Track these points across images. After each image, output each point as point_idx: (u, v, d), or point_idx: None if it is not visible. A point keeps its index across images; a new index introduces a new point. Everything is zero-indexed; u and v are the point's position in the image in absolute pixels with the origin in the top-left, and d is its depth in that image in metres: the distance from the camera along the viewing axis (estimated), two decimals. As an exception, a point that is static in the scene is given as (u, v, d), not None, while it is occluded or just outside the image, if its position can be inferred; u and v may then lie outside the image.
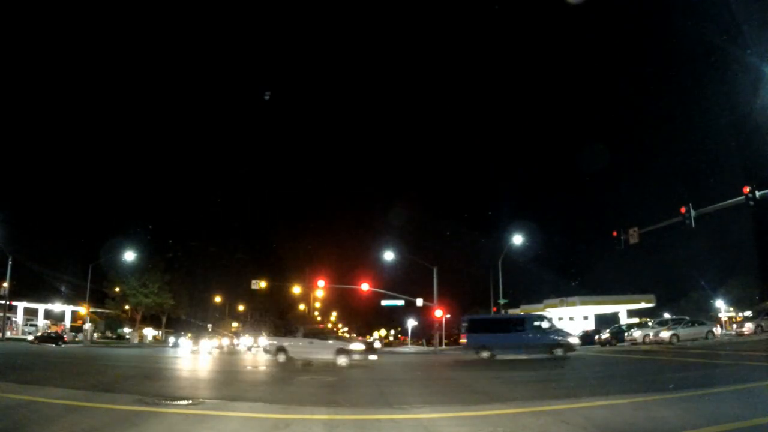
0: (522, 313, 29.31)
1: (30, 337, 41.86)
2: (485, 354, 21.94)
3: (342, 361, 18.26)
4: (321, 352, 18.97)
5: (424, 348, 50.29)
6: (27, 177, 58.80)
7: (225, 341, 43.67)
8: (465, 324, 24.43)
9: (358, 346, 19.94)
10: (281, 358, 19.44)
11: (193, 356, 27.99)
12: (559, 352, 21.19)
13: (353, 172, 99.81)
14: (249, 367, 19.79)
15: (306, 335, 20.49)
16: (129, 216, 57.86)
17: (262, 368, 18.58)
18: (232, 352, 35.75)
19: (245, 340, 45.97)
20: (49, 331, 46.95)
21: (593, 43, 70.70)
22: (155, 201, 78.44)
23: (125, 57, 73.47)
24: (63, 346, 37.16)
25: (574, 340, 23.15)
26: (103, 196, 70.45)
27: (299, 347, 19.62)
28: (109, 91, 73.32)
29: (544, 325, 22.81)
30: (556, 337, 22.25)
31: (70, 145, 74.65)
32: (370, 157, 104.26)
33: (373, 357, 20.00)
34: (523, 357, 21.54)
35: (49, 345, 36.23)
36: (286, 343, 20.18)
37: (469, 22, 70.51)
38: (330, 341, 19.87)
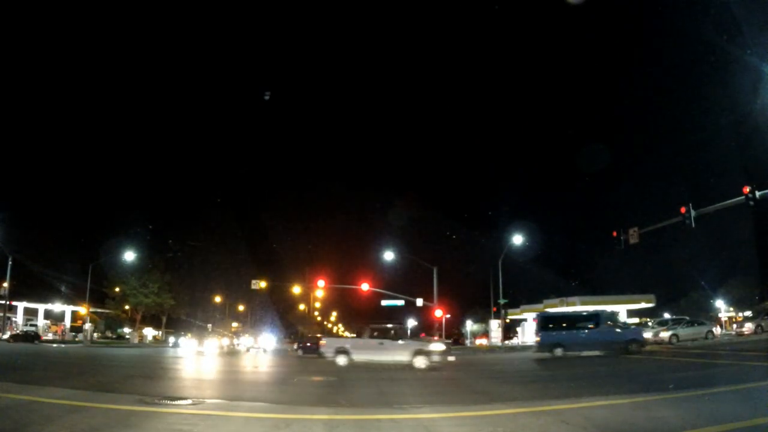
0: (593, 309, 28.49)
1: (5, 336, 41.36)
2: (559, 351, 21.37)
3: (420, 363, 17.01)
4: (394, 353, 17.64)
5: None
6: (27, 177, 58.87)
7: (225, 341, 43.47)
8: (537, 321, 23.96)
9: (438, 346, 18.55)
10: (341, 360, 18.16)
11: (200, 357, 27.20)
12: (633, 347, 20.89)
13: (353, 171, 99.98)
14: (269, 368, 19.44)
15: (374, 335, 18.84)
16: (129, 216, 57.73)
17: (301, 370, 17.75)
18: (232, 353, 35.56)
19: (246, 340, 45.26)
20: (25, 329, 45.79)
21: (593, 43, 70.77)
22: (155, 201, 78.58)
23: (125, 57, 73.54)
24: (60, 345, 37.11)
25: (647, 335, 22.77)
26: (103, 196, 70.66)
27: (365, 348, 18.21)
28: (109, 92, 73.45)
29: (617, 320, 22.66)
30: (629, 333, 22.15)
31: (71, 145, 74.80)
32: (370, 158, 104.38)
33: (451, 358, 18.75)
34: (598, 354, 20.99)
35: (50, 344, 36.09)
36: (349, 344, 19.04)
37: (469, 22, 70.54)
38: (404, 341, 18.51)
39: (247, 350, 39.21)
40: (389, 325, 20.37)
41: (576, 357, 20.72)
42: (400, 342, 18.22)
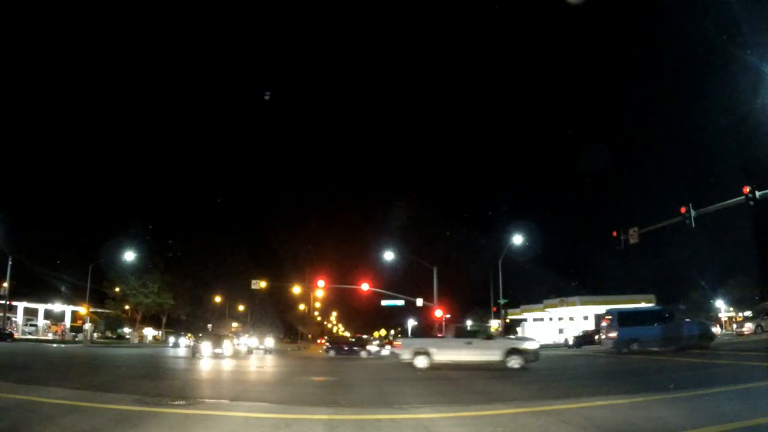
0: (666, 306, 28.88)
1: None
2: (635, 347, 21.72)
3: (514, 362, 16.24)
4: (483, 353, 16.80)
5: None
6: (27, 177, 58.82)
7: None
8: (613, 317, 24.09)
9: (532, 344, 17.88)
10: (421, 362, 17.22)
11: (214, 361, 23.88)
12: (704, 342, 21.35)
13: (353, 172, 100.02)
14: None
15: (460, 335, 18.08)
16: (129, 216, 57.85)
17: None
18: (235, 354, 33.89)
19: (250, 341, 40.67)
20: None
21: (593, 43, 70.79)
22: (155, 201, 78.58)
23: (126, 57, 73.53)
24: (60, 345, 37.06)
25: (717, 330, 23.03)
26: (103, 196, 70.50)
27: (450, 348, 17.37)
28: (109, 92, 73.44)
29: (686, 316, 23.21)
30: (700, 327, 22.57)
31: (71, 145, 74.70)
32: (371, 158, 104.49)
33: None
34: (672, 348, 21.29)
35: (25, 342, 34.88)
36: (430, 344, 17.96)
37: (469, 22, 70.54)
38: (496, 339, 17.73)
39: (250, 352, 36.23)
40: (476, 324, 19.68)
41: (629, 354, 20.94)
42: (491, 341, 17.30)
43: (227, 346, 29.89)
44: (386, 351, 31.86)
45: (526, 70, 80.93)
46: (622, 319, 23.50)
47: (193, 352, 28.19)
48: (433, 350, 17.35)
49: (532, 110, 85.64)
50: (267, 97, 35.89)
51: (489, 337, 17.79)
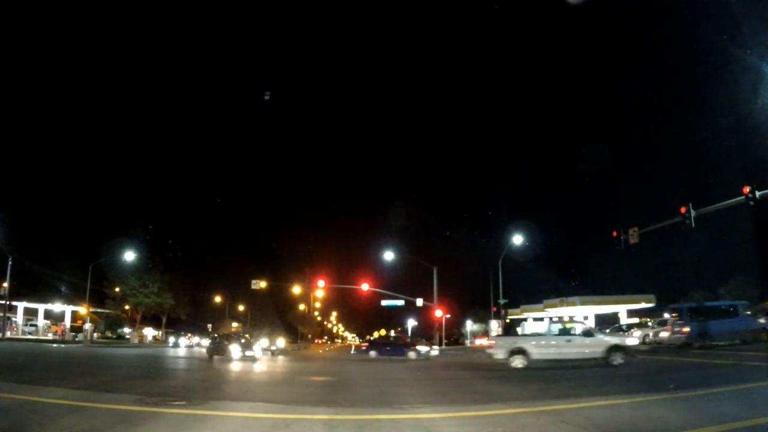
0: (732, 301, 29.77)
1: None
2: (708, 341, 22.42)
3: (617, 359, 16.17)
4: (585, 349, 16.66)
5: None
6: (27, 177, 58.87)
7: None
8: (683, 312, 24.77)
9: (633, 341, 18.35)
10: (517, 362, 16.70)
11: (223, 363, 21.53)
12: (764, 336, 22.42)
13: (353, 172, 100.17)
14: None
15: (558, 332, 17.53)
16: (129, 216, 57.89)
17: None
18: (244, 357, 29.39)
19: (262, 342, 36.24)
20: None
21: (593, 43, 70.75)
22: (155, 201, 78.62)
23: (126, 57, 73.52)
24: (60, 345, 37.01)
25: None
26: (103, 196, 70.56)
27: (549, 347, 16.91)
28: (109, 92, 73.42)
29: (748, 311, 24.36)
30: (761, 323, 23.63)
31: (71, 145, 74.73)
32: (371, 158, 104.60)
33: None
34: (737, 342, 22.02)
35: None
36: (528, 342, 17.31)
37: (469, 22, 70.55)
38: (596, 336, 17.56)
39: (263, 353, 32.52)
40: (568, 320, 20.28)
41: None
42: (592, 337, 17.27)
43: (257, 348, 27.96)
44: (435, 351, 30.86)
45: (526, 70, 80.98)
46: (693, 314, 24.19)
47: (211, 354, 26.36)
48: (531, 348, 16.89)
49: (532, 110, 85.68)
50: (267, 97, 35.89)
51: (589, 333, 17.63)
